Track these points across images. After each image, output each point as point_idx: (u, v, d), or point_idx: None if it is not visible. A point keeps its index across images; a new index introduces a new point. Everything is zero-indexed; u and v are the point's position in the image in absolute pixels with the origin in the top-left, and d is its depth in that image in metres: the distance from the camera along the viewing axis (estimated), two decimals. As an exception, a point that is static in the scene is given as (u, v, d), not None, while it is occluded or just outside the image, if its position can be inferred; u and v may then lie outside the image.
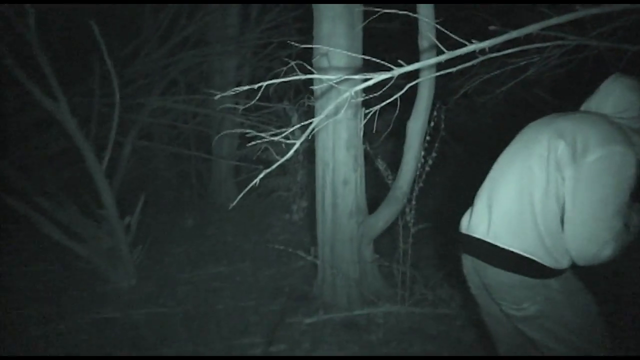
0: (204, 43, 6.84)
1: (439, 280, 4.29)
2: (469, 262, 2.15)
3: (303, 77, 1.90)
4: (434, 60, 1.87)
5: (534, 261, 1.91)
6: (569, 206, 1.86)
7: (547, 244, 1.89)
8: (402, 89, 1.80)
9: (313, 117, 3.31)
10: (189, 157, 7.67)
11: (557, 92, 7.48)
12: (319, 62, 3.79)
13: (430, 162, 3.93)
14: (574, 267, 1.99)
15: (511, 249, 1.94)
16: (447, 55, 1.73)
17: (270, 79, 1.90)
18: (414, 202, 3.94)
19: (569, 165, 1.85)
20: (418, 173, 3.96)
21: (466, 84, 3.25)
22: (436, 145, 3.92)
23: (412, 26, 3.43)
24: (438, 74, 2.05)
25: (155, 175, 7.97)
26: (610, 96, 2.03)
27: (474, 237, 2.09)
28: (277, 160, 1.77)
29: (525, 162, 1.98)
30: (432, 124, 3.95)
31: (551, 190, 1.89)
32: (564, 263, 1.92)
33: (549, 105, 7.47)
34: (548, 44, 2.21)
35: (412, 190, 3.97)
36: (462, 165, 7.64)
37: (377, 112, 1.96)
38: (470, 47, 1.69)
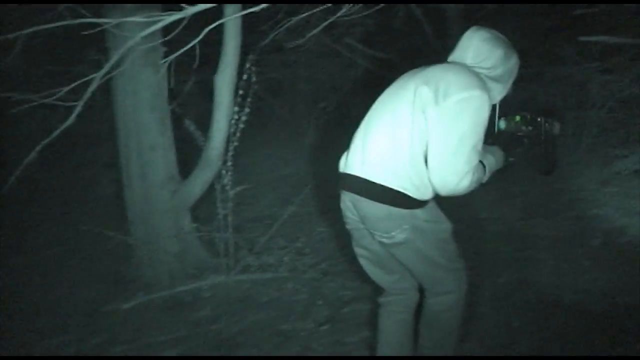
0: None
1: (264, 244, 4.08)
2: (347, 198, 2.32)
3: (65, 23, 1.50)
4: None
5: (403, 194, 2.12)
6: (432, 143, 2.07)
7: (414, 179, 2.11)
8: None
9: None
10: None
11: (368, 43, 7.65)
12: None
13: (243, 119, 3.64)
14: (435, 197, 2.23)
15: (384, 184, 2.14)
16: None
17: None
18: (230, 164, 3.64)
19: (432, 107, 2.06)
20: (232, 131, 3.66)
21: (273, 31, 3.01)
22: (249, 100, 3.64)
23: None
24: (240, 14, 1.77)
25: None
26: (469, 48, 2.24)
27: (351, 175, 2.27)
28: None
29: (395, 107, 2.18)
30: (244, 77, 3.66)
31: (416, 132, 2.09)
32: (428, 195, 2.16)
33: (360, 54, 7.62)
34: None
35: (226, 150, 3.66)
36: (281, 121, 7.52)
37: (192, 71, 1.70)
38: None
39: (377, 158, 2.19)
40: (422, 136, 2.10)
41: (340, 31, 7.25)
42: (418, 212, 2.19)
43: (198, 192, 3.87)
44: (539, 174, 2.60)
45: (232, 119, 3.65)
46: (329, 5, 3.23)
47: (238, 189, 3.70)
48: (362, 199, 2.22)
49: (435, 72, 2.16)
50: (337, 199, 2.39)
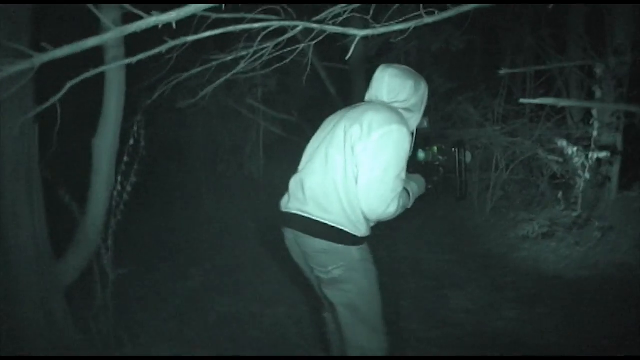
0: None
1: (154, 330, 3.53)
2: (289, 235, 2.48)
3: None
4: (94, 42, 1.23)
5: (340, 229, 2.30)
6: (360, 174, 2.28)
7: (350, 215, 2.30)
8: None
9: None
10: None
11: (269, 102, 7.43)
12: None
13: (129, 188, 3.16)
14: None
15: (321, 220, 2.31)
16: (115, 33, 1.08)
17: None
18: (110, 242, 3.13)
19: (359, 143, 2.27)
20: (115, 203, 3.16)
21: (161, 87, 2.63)
22: (135, 167, 3.18)
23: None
24: (121, 62, 1.44)
25: None
26: (382, 85, 2.46)
27: (292, 213, 2.42)
28: None
29: (329, 150, 2.36)
30: (131, 141, 3.21)
31: (349, 168, 2.30)
32: (363, 231, 2.33)
33: (262, 114, 7.36)
34: (256, 25, 1.70)
35: (107, 226, 3.15)
36: (177, 185, 7.00)
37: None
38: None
39: (315, 196, 2.36)
40: (354, 172, 2.30)
41: (242, 91, 6.99)
42: (354, 249, 2.36)
43: (73, 274, 3.29)
44: (455, 199, 2.75)
45: (115, 189, 3.16)
46: (227, 60, 2.93)
47: (122, 271, 3.16)
48: (303, 234, 2.39)
49: (359, 112, 2.36)
50: (280, 239, 2.54)
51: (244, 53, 2.21)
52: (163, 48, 1.63)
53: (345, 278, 2.35)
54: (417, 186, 2.50)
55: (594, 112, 5.15)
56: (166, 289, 4.26)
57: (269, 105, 7.22)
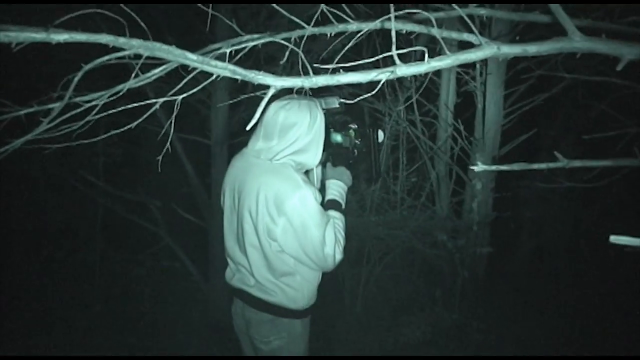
0: None
1: None
2: (238, 305, 2.56)
3: None
4: None
5: (280, 306, 2.40)
6: (293, 252, 2.33)
7: (283, 287, 2.38)
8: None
9: None
10: None
11: (112, 175, 6.37)
12: None
13: None
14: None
15: (264, 298, 2.41)
16: None
17: None
18: None
19: (272, 224, 2.28)
20: None
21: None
22: None
23: None
24: None
25: None
26: (274, 133, 2.35)
27: (238, 288, 2.51)
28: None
29: (240, 221, 2.40)
30: None
31: (268, 239, 2.32)
32: (302, 304, 2.44)
33: (100, 190, 6.25)
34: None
35: None
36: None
37: None
38: None
39: (247, 273, 2.44)
40: (277, 250, 2.33)
41: (79, 159, 5.87)
42: (297, 322, 2.46)
43: None
44: (369, 180, 2.77)
45: None
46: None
47: None
48: (249, 307, 2.47)
49: (257, 184, 2.31)
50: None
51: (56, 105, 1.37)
52: None
53: (284, 348, 2.45)
54: (343, 182, 2.53)
55: (474, 205, 4.84)
56: None
57: (110, 180, 6.15)
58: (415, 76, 5.10)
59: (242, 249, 2.41)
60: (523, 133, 5.03)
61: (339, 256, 2.34)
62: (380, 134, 2.62)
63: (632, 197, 6.03)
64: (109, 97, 1.51)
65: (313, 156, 2.38)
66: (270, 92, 1.23)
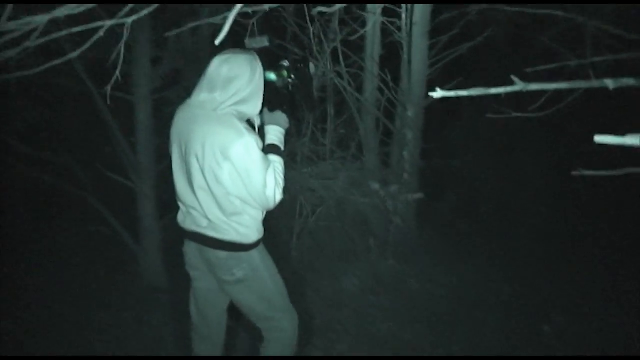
0: None
1: None
2: (192, 246, 2.75)
3: None
4: None
5: (235, 243, 2.61)
6: (236, 191, 2.52)
7: (239, 229, 2.59)
8: None
9: None
10: None
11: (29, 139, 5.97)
12: None
13: None
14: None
15: (218, 237, 2.60)
16: None
17: None
18: None
19: (218, 169, 2.47)
20: None
21: None
22: None
23: None
24: None
25: None
26: (216, 85, 2.52)
27: (191, 230, 2.69)
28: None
29: (188, 167, 2.57)
30: None
31: (215, 182, 2.50)
32: (254, 238, 2.66)
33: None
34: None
35: None
36: None
37: None
38: None
39: (200, 215, 2.62)
40: (222, 184, 2.50)
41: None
42: (254, 252, 2.68)
43: None
44: (307, 111, 2.99)
45: None
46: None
47: None
48: (206, 247, 2.66)
49: (202, 133, 2.48)
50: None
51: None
52: None
53: (250, 277, 2.66)
54: (281, 125, 2.69)
55: (405, 154, 4.91)
56: None
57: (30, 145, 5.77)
58: (341, 27, 5.06)
59: (192, 191, 2.58)
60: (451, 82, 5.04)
61: (279, 197, 2.56)
62: (312, 66, 2.79)
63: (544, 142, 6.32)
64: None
65: (254, 106, 2.58)
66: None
